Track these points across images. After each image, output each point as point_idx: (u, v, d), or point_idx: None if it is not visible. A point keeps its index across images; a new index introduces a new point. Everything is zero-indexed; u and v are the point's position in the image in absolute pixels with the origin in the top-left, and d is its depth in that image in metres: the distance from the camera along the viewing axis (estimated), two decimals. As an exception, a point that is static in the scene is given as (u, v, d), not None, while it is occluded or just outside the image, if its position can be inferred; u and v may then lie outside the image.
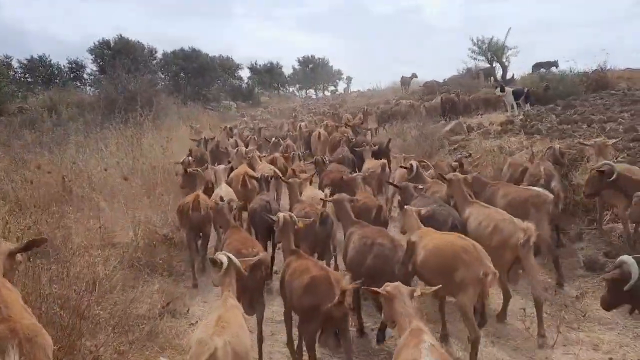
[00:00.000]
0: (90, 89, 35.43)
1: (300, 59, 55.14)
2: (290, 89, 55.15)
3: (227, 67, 42.72)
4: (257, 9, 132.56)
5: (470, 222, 6.00)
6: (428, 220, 5.60)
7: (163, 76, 38.67)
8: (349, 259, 5.40)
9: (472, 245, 4.73)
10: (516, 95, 17.22)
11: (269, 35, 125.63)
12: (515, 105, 17.08)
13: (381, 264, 4.94)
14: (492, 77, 27.98)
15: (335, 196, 6.43)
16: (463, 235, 5.12)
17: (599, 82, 22.82)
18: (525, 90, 17.65)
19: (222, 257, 4.24)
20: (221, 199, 6.77)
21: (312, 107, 35.25)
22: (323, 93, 56.71)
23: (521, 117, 14.81)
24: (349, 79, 56.70)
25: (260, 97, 44.32)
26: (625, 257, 3.70)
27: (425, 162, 9.71)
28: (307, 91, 56.32)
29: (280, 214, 5.29)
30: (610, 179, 6.28)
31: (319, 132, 15.09)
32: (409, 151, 12.29)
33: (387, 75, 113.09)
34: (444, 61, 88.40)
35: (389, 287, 3.58)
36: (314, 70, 54.26)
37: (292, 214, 5.42)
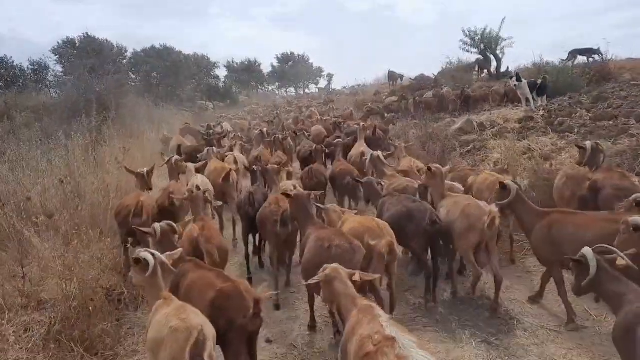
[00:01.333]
0: (54, 92, 32.97)
1: (279, 56, 53.15)
2: (270, 88, 53.02)
3: (202, 65, 40.46)
4: (232, 8, 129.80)
5: (441, 212, 5.99)
6: (405, 219, 5.70)
7: (134, 76, 36.27)
8: (305, 261, 5.08)
9: (377, 224, 5.26)
10: (529, 87, 15.38)
11: (244, 35, 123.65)
12: (531, 99, 15.19)
13: None
14: (485, 70, 26.34)
15: (295, 192, 6.19)
16: (375, 218, 5.59)
17: (601, 73, 21.37)
18: (539, 82, 15.81)
19: (146, 255, 3.78)
20: (197, 188, 6.50)
21: (298, 105, 33.20)
22: (304, 91, 54.78)
23: (542, 112, 13.07)
24: (331, 76, 54.89)
25: (239, 96, 42.13)
26: (586, 251, 3.77)
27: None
28: (287, 89, 54.32)
29: (156, 225, 4.73)
30: None
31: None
32: (415, 155, 10.51)
33: (366, 72, 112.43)
34: (421, 57, 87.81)
35: (327, 269, 3.60)
36: (294, 68, 52.22)
37: (172, 223, 4.86)
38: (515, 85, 15.50)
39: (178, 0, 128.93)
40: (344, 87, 45.98)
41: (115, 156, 9.93)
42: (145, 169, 7.73)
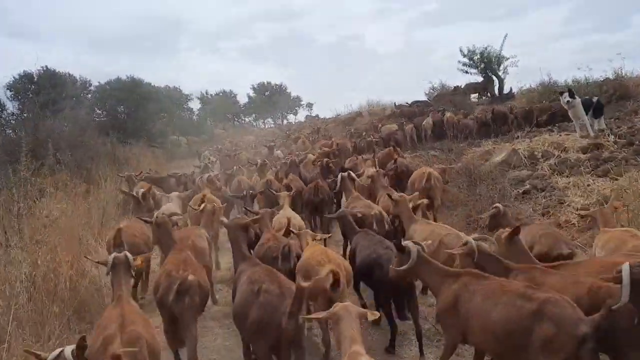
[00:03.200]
0: (10, 132, 29.68)
1: (255, 86, 50.74)
2: (247, 119, 50.39)
3: (174, 98, 37.59)
4: (201, 41, 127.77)
5: (415, 237, 5.72)
6: (373, 265, 5.43)
7: (100, 112, 33.12)
8: (234, 305, 4.65)
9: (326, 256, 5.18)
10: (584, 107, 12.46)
11: (215, 69, 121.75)
12: (586, 121, 12.26)
13: (267, 316, 4.12)
14: (488, 93, 24.15)
15: (229, 221, 5.80)
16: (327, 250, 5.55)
17: (618, 90, 19.40)
18: (595, 100, 13.07)
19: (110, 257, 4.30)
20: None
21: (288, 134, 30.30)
22: (282, 121, 52.31)
23: (611, 137, 10.54)
24: (311, 105, 52.62)
25: (214, 130, 39.27)
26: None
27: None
28: (265, 121, 51.78)
29: (111, 256, 4.44)
30: None
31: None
32: (459, 203, 7.90)
33: (342, 101, 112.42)
34: (393, 84, 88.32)
35: (337, 307, 3.37)
36: (271, 98, 49.78)
37: (127, 253, 4.47)
38: (567, 102, 12.35)
39: (146, 37, 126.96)
40: (337, 115, 43.78)
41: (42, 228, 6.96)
42: (141, 190, 7.96)
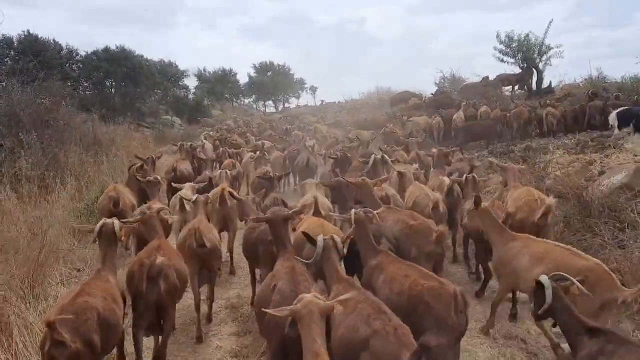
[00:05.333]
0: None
1: (257, 65, 47.51)
2: (246, 101, 47.31)
3: (169, 74, 34.44)
4: (200, 17, 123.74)
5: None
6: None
7: (87, 84, 30.01)
8: (256, 296, 4.78)
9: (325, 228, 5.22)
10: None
11: (213, 44, 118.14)
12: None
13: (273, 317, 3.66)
14: (525, 86, 21.29)
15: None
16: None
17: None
18: None
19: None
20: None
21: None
22: (283, 104, 49.30)
23: None
24: (314, 89, 49.56)
25: (211, 110, 36.22)
26: (543, 279, 3.68)
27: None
28: (265, 103, 48.74)
29: (99, 223, 4.55)
30: None
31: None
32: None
33: (342, 85, 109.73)
34: (395, 71, 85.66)
35: (300, 303, 3.21)
36: (273, 79, 46.65)
37: (116, 221, 4.56)
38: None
39: (144, 9, 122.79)
40: (327, 102, 40.85)
41: None
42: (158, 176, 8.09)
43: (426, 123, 18.46)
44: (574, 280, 3.76)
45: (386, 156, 8.77)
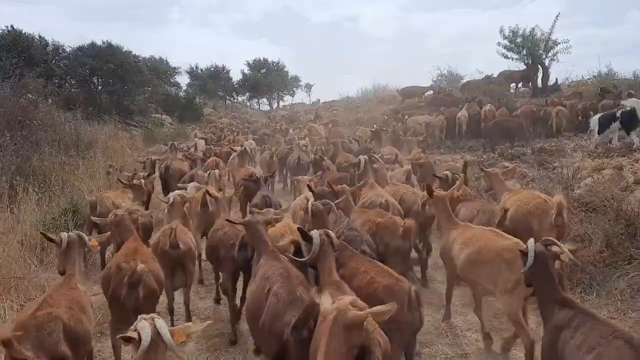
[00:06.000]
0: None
1: (251, 62, 46.37)
2: (240, 99, 46.18)
3: (160, 71, 33.31)
4: (192, 13, 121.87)
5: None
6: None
7: (73, 82, 28.83)
8: (247, 301, 4.41)
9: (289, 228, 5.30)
10: None
11: (206, 42, 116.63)
12: None
13: (270, 323, 3.72)
14: (530, 83, 20.35)
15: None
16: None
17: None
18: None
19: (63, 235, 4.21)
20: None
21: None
22: (277, 103, 48.23)
23: None
24: (309, 87, 48.53)
25: (203, 108, 35.12)
26: (529, 243, 3.78)
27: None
28: (260, 101, 47.66)
29: (64, 234, 4.37)
30: None
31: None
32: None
33: (337, 84, 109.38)
34: (390, 69, 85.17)
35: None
36: (267, 76, 45.56)
37: (81, 234, 4.45)
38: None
39: (135, 5, 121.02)
40: (322, 101, 39.86)
41: None
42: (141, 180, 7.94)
43: (428, 122, 17.54)
44: (562, 246, 3.81)
45: (375, 156, 8.78)
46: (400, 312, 3.57)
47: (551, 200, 5.70)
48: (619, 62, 73.20)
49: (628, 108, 12.12)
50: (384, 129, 15.70)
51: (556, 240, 3.82)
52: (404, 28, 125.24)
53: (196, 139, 18.13)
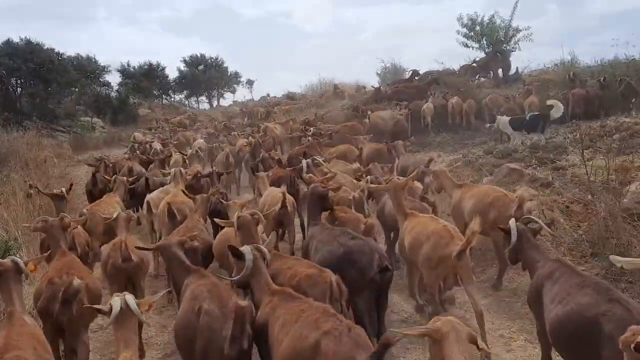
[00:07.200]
0: None
1: (187, 58, 43.71)
2: (176, 97, 43.48)
3: (87, 70, 30.34)
4: (118, 11, 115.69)
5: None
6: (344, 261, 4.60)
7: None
8: (175, 325, 4.13)
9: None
10: None
11: (135, 40, 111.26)
12: None
13: (207, 342, 3.59)
14: (491, 72, 19.46)
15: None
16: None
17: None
18: None
19: None
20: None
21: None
22: (218, 100, 45.93)
23: None
24: (251, 83, 46.45)
25: (138, 108, 32.40)
26: (511, 223, 4.23)
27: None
28: (199, 99, 45.13)
29: None
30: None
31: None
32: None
33: (275, 79, 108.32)
34: (328, 64, 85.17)
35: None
36: (205, 73, 43.11)
37: (16, 259, 4.07)
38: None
39: (58, 3, 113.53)
40: (271, 97, 38.01)
41: None
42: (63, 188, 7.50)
43: (392, 117, 16.22)
44: (541, 222, 4.42)
45: (318, 159, 9.07)
46: (320, 301, 3.62)
47: (511, 194, 5.97)
48: (547, 52, 75.78)
49: None
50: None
51: (533, 217, 4.41)
52: (337, 22, 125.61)
53: (154, 140, 16.96)
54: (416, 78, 20.50)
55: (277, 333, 3.41)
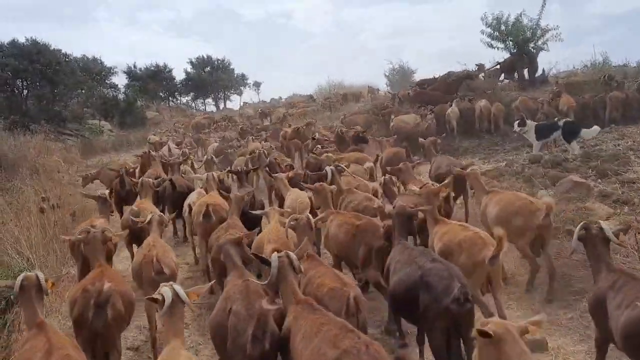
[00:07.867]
0: None
1: (194, 60, 43.06)
2: (184, 99, 42.84)
3: (94, 72, 29.71)
4: (119, 12, 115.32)
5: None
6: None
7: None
8: (210, 320, 4.40)
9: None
10: None
11: (138, 41, 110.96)
12: None
13: (233, 341, 3.80)
14: (516, 75, 18.66)
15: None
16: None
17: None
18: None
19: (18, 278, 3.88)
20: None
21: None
22: (224, 103, 45.26)
23: None
24: (258, 85, 45.79)
25: (145, 111, 31.73)
26: (576, 229, 4.23)
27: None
28: (205, 101, 44.49)
29: (20, 276, 3.96)
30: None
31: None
32: None
33: (281, 81, 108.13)
34: (331, 65, 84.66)
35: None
36: (212, 75, 42.44)
37: (39, 274, 4.04)
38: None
39: (58, 4, 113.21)
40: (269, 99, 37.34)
41: None
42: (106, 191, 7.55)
43: (415, 121, 15.51)
44: (608, 232, 4.11)
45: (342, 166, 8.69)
46: (338, 315, 3.70)
47: (538, 202, 5.87)
48: (547, 52, 75.79)
49: None
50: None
51: (602, 223, 4.22)
52: (339, 23, 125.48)
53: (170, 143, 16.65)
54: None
55: (298, 344, 3.48)
